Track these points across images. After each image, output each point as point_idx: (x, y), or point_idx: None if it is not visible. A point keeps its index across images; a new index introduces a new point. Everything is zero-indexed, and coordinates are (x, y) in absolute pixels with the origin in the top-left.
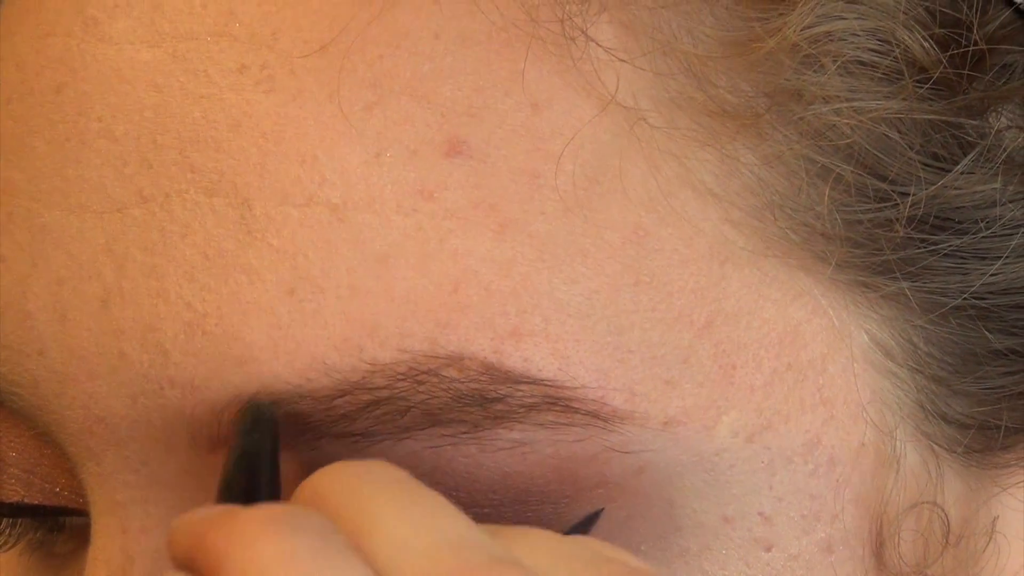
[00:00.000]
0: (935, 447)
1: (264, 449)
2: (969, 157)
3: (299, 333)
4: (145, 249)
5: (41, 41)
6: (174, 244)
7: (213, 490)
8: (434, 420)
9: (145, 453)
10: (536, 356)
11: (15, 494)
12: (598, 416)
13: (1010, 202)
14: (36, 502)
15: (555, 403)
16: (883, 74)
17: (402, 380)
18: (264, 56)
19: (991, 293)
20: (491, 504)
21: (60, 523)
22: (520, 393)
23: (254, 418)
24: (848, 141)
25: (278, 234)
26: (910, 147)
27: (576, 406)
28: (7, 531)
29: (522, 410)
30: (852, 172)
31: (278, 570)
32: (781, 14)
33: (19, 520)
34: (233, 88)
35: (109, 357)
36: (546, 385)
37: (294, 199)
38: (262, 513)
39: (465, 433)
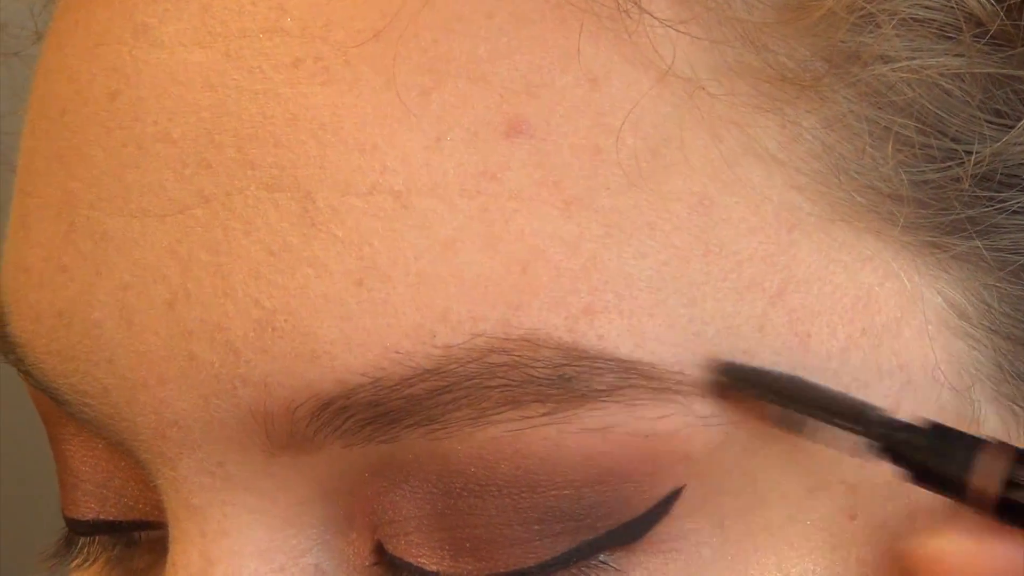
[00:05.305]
0: (1015, 408)
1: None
2: None
3: (370, 323)
4: (209, 249)
5: (93, 51)
6: (238, 242)
7: (297, 489)
8: (511, 404)
9: (220, 455)
10: (611, 333)
11: (90, 511)
12: (677, 391)
13: None
14: (111, 518)
15: (633, 379)
16: (940, 30)
17: (477, 364)
18: (318, 48)
19: None
20: (571, 486)
21: (136, 538)
22: (597, 371)
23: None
24: (909, 100)
25: (342, 225)
26: (972, 103)
27: (655, 381)
28: (85, 549)
29: (600, 389)
30: (915, 131)
31: None
32: None
33: (96, 537)
34: (288, 82)
35: (179, 360)
36: (623, 362)
37: (356, 188)
38: None
39: (544, 415)
